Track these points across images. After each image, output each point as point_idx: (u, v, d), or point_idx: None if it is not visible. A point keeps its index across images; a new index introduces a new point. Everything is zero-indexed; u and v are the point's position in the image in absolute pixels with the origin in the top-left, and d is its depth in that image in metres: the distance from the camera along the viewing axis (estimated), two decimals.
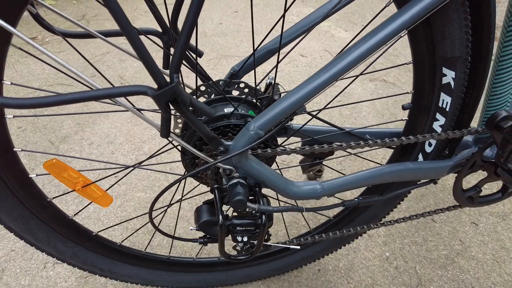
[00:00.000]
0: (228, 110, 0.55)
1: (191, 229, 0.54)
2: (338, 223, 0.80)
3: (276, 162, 0.73)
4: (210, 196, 0.56)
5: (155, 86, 0.40)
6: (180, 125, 0.61)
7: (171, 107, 0.41)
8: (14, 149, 0.54)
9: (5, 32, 0.42)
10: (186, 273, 0.81)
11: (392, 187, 0.72)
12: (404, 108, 0.66)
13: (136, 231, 0.83)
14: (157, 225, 0.59)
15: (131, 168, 0.64)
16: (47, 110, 1.36)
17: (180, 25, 0.47)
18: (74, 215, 0.67)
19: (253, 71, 0.63)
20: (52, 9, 0.52)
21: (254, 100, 0.59)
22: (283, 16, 0.49)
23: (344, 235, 0.70)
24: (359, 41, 0.46)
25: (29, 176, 0.58)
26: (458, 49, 0.52)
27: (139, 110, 0.51)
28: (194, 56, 0.62)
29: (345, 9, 2.34)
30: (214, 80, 0.58)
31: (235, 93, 0.60)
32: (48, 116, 1.36)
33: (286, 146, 0.55)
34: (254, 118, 0.47)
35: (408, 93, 0.64)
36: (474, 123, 0.60)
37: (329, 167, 0.89)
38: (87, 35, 0.56)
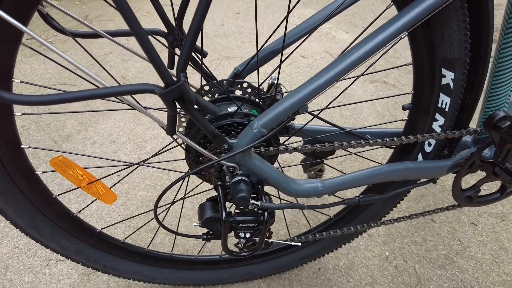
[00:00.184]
0: (231, 109, 0.56)
1: (194, 226, 0.55)
2: (339, 222, 0.80)
3: (278, 161, 0.74)
4: (213, 194, 0.57)
5: (160, 85, 0.41)
6: (184, 124, 0.62)
7: (178, 105, 0.43)
8: (22, 146, 0.55)
9: (17, 31, 0.43)
10: (188, 270, 0.82)
11: (392, 186, 0.73)
12: (404, 108, 0.67)
13: (138, 229, 0.84)
14: (161, 223, 0.60)
15: (136, 165, 0.65)
16: (60, 109, 1.37)
17: (185, 25, 0.48)
18: (79, 212, 0.68)
19: (256, 71, 0.64)
20: (61, 9, 0.53)
21: (257, 100, 0.60)
22: (286, 17, 0.50)
23: (345, 233, 0.71)
24: (360, 43, 0.48)
25: (36, 173, 0.59)
26: (457, 51, 0.53)
27: (145, 108, 0.53)
28: (199, 56, 0.63)
29: (346, 11, 2.36)
30: (218, 80, 0.59)
31: (238, 92, 0.61)
32: (52, 116, 1.37)
33: (288, 145, 0.56)
34: (257, 117, 0.48)
35: (408, 93, 0.65)
36: (474, 124, 0.61)
37: (330, 167, 0.90)
38: (95, 35, 0.57)
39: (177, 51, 0.62)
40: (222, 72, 1.69)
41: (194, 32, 0.39)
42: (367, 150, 0.82)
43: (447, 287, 0.92)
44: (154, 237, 0.88)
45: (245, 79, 0.63)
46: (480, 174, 0.66)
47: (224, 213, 0.50)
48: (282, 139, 0.66)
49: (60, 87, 1.53)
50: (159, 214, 0.78)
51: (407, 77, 1.74)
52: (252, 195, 0.55)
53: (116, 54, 1.80)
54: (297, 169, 1.20)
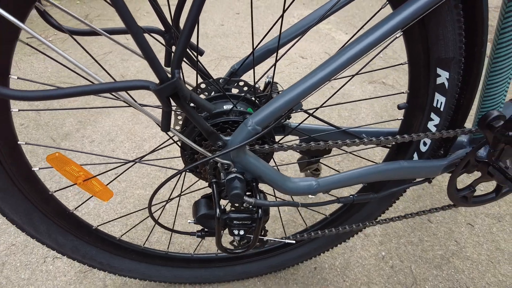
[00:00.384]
0: (227, 107, 0.57)
1: (189, 222, 0.55)
2: (335, 221, 0.81)
3: (273, 159, 0.74)
4: (208, 191, 0.58)
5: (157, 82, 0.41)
6: (181, 122, 0.62)
7: (172, 102, 0.43)
8: (19, 142, 0.55)
9: (14, 27, 0.44)
10: (184, 268, 0.82)
11: (387, 186, 0.73)
12: (399, 107, 0.68)
13: (134, 226, 0.85)
14: (156, 220, 0.60)
15: (131, 163, 0.65)
16: (57, 105, 1.37)
17: (182, 24, 0.49)
18: (75, 208, 0.68)
19: (252, 69, 0.64)
20: (60, 7, 0.54)
21: (253, 98, 0.60)
22: (282, 16, 0.50)
23: (340, 232, 0.71)
24: (354, 41, 0.48)
25: (32, 169, 0.60)
26: (452, 50, 0.54)
27: (142, 105, 0.53)
28: (196, 54, 0.64)
29: (346, 12, 2.37)
30: (214, 78, 0.59)
31: (234, 91, 0.62)
32: (51, 114, 1.37)
33: (283, 143, 0.56)
34: (252, 115, 0.48)
35: (403, 93, 0.65)
36: (470, 124, 0.61)
37: (327, 166, 0.91)
38: (93, 33, 0.57)
39: (174, 49, 0.62)
40: (221, 72, 1.69)
41: (188, 29, 0.40)
42: (363, 150, 0.83)
43: (443, 287, 0.92)
44: (150, 234, 0.89)
45: (242, 78, 0.64)
46: (477, 174, 0.67)
47: (218, 210, 0.50)
48: (282, 138, 0.66)
49: (60, 85, 1.54)
50: (155, 211, 0.78)
51: (405, 78, 1.75)
52: (248, 193, 0.56)
53: (116, 53, 1.81)
54: (296, 168, 1.20)
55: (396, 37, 0.60)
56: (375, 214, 0.79)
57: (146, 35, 0.55)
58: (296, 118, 0.67)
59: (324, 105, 0.64)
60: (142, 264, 0.79)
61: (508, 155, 0.56)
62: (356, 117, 1.46)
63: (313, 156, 0.76)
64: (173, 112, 0.59)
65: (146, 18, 2.14)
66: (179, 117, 0.63)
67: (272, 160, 0.65)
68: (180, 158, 0.61)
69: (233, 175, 0.51)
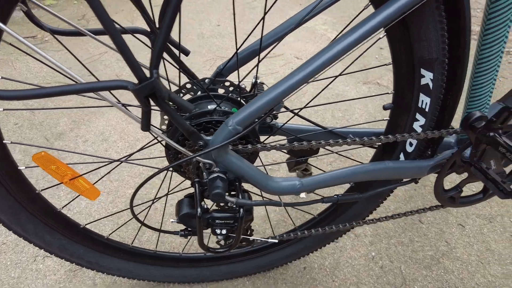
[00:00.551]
0: (212, 107, 0.57)
1: (172, 222, 0.56)
2: (323, 221, 0.81)
3: (260, 159, 0.75)
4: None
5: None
6: (166, 122, 0.62)
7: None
8: (4, 141, 0.56)
9: None
10: (173, 268, 0.83)
11: (374, 186, 0.74)
12: (385, 108, 0.68)
13: (122, 225, 0.85)
14: (143, 220, 0.60)
15: (118, 162, 0.66)
16: (51, 104, 1.38)
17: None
18: (62, 207, 0.68)
19: (240, 69, 0.65)
20: (44, 7, 0.54)
21: (238, 98, 0.61)
22: (263, 18, 0.51)
23: (327, 232, 0.72)
24: (336, 40, 0.48)
25: (19, 168, 0.60)
26: (434, 51, 0.54)
27: (125, 105, 0.53)
28: (182, 55, 0.64)
29: (342, 13, 2.37)
30: (204, 78, 0.60)
31: (221, 91, 0.62)
32: (45, 114, 1.38)
33: (266, 143, 0.57)
34: (233, 115, 0.49)
35: (388, 93, 0.65)
36: (458, 125, 0.61)
37: (318, 168, 0.91)
38: (77, 33, 0.58)
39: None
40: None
41: (166, 30, 0.40)
42: (356, 151, 0.83)
43: (432, 287, 0.93)
44: (138, 232, 0.89)
45: (229, 78, 0.64)
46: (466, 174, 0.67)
47: (199, 210, 0.50)
48: (267, 138, 0.66)
49: (55, 85, 1.54)
50: (142, 211, 0.79)
51: None
52: (232, 193, 0.56)
53: (112, 53, 1.81)
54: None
55: (380, 38, 0.60)
56: (363, 214, 0.79)
57: (130, 36, 0.56)
58: (284, 119, 0.67)
59: (309, 105, 0.64)
60: (130, 263, 0.79)
61: (490, 155, 0.56)
62: (349, 118, 1.47)
63: (300, 156, 0.76)
64: (159, 112, 0.59)
65: (142, 18, 2.15)
66: (165, 117, 0.63)
67: (259, 159, 0.66)
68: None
69: (215, 175, 0.52)
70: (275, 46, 0.57)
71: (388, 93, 0.65)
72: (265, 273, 0.91)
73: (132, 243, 0.78)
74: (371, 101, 1.56)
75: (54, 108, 1.18)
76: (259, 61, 0.54)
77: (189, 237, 0.65)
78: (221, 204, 0.57)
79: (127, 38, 0.49)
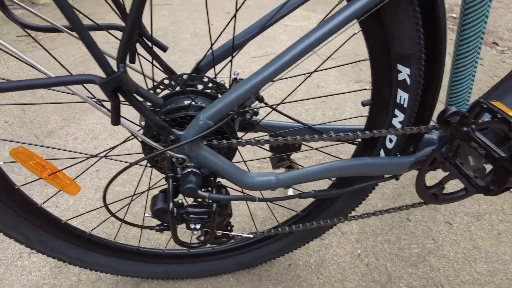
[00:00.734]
0: (188, 102, 0.57)
1: (147, 216, 0.56)
2: (305, 217, 0.81)
3: (240, 155, 0.75)
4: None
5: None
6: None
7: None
8: None
9: None
10: (156, 264, 0.83)
11: (356, 182, 0.74)
12: (363, 104, 0.68)
13: (104, 221, 0.85)
14: (123, 217, 0.61)
15: (95, 158, 0.66)
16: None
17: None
18: (43, 203, 0.69)
19: (219, 65, 0.65)
20: (17, 2, 0.54)
21: (217, 94, 0.61)
22: (235, 16, 0.51)
23: (307, 228, 0.72)
24: (309, 32, 0.48)
25: None
26: (410, 46, 0.54)
27: (99, 102, 0.54)
28: (159, 50, 0.64)
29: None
30: (177, 74, 0.60)
31: (200, 87, 0.62)
32: (36, 112, 1.38)
33: (243, 138, 0.57)
34: (204, 109, 0.49)
35: (366, 89, 0.65)
36: None
37: (297, 164, 0.91)
38: (53, 29, 0.58)
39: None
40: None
41: (131, 25, 0.40)
42: (339, 148, 0.83)
43: (417, 285, 0.93)
44: (119, 229, 0.89)
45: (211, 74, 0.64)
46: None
47: (171, 204, 0.51)
48: (244, 134, 0.66)
49: None
50: (125, 206, 0.78)
51: None
52: (209, 189, 0.56)
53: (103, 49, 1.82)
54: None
55: (355, 33, 0.60)
56: (346, 210, 0.79)
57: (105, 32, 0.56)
58: (270, 116, 0.67)
59: (285, 101, 0.64)
60: (113, 259, 0.79)
61: (465, 151, 0.56)
62: (340, 116, 1.47)
63: (281, 152, 0.76)
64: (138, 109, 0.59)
65: None
66: None
67: (240, 155, 0.66)
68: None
69: (188, 170, 0.52)
70: (247, 42, 0.57)
71: (366, 89, 0.65)
72: (249, 270, 0.92)
73: (114, 238, 0.78)
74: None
75: (30, 103, 1.18)
76: (232, 57, 0.54)
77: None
78: (199, 199, 0.57)
79: (105, 34, 0.50)
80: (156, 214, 0.54)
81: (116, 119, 0.46)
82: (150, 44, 0.63)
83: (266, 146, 0.70)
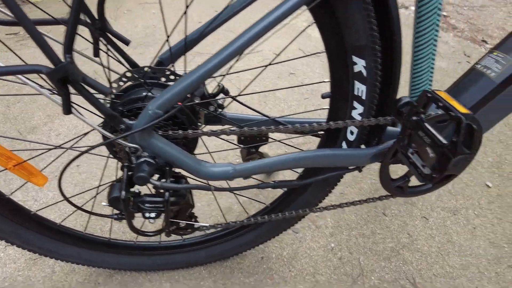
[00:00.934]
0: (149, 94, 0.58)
1: (104, 205, 0.57)
2: (274, 209, 0.82)
3: (206, 146, 0.76)
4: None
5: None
6: None
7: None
8: None
9: None
10: (127, 256, 0.84)
11: (321, 173, 0.74)
12: (323, 97, 0.69)
13: (72, 213, 0.86)
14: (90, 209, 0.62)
15: (59, 148, 0.67)
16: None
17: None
18: (11, 193, 0.70)
19: (182, 57, 0.67)
20: None
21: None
22: (185, 12, 0.52)
23: (272, 219, 0.73)
24: (258, 21, 0.49)
25: None
26: (363, 38, 0.54)
27: (52, 92, 0.55)
28: (122, 44, 0.65)
29: None
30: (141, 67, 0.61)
31: (163, 80, 0.64)
32: (20, 108, 1.40)
33: (200, 129, 0.58)
34: (153, 99, 0.50)
35: (324, 82, 0.66)
36: None
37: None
38: (15, 23, 0.59)
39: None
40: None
41: (73, 16, 0.42)
42: (290, 138, 0.83)
43: (389, 278, 0.93)
44: (88, 221, 0.91)
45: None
46: None
47: (123, 192, 0.52)
48: (205, 126, 0.67)
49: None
50: (93, 198, 0.79)
51: None
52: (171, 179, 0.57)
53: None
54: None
55: (309, 25, 0.61)
56: (313, 202, 0.80)
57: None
58: (234, 108, 0.68)
59: (243, 93, 0.65)
60: (84, 250, 0.80)
61: (416, 141, 0.57)
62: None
63: (249, 145, 0.77)
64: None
65: (126, 16, 2.17)
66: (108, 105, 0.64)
67: (205, 146, 0.67)
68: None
69: (142, 159, 0.53)
70: (204, 38, 0.58)
71: (324, 81, 0.66)
72: (222, 263, 0.93)
73: (85, 230, 0.79)
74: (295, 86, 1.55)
75: None
76: (185, 51, 0.56)
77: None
78: (162, 191, 0.58)
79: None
80: (111, 202, 0.55)
81: (66, 108, 0.47)
82: (113, 38, 0.65)
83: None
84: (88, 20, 0.63)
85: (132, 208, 0.56)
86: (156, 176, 0.59)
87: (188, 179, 0.62)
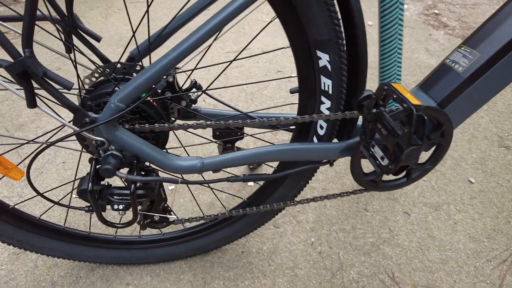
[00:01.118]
0: (117, 89, 0.59)
1: (74, 197, 0.58)
2: (251, 204, 0.83)
3: (179, 140, 0.77)
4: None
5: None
6: None
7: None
8: None
9: None
10: (106, 249, 0.85)
11: (294, 167, 0.75)
12: (291, 92, 0.70)
13: (50, 208, 0.87)
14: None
15: (37, 144, 0.68)
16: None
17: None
18: None
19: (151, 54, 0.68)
20: None
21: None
22: (147, 11, 0.53)
23: (247, 213, 0.74)
24: (214, 15, 0.50)
25: None
26: (325, 32, 0.55)
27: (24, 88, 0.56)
28: (93, 41, 0.67)
29: None
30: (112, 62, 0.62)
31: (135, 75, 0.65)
32: (8, 106, 1.42)
33: (167, 123, 0.59)
34: (115, 92, 0.51)
35: (291, 77, 0.67)
36: None
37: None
38: None
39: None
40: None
41: (29, 10, 0.43)
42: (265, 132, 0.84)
43: (368, 273, 0.94)
44: (67, 214, 0.92)
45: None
46: None
47: (90, 184, 0.53)
48: (175, 120, 0.68)
49: None
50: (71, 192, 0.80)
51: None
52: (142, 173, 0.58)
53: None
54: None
55: (271, 21, 0.62)
56: (288, 196, 0.81)
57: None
58: (212, 104, 0.69)
59: (211, 87, 0.66)
60: (63, 243, 0.81)
61: (377, 133, 0.58)
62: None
63: (224, 140, 0.78)
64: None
65: (116, 14, 2.18)
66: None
67: (178, 140, 0.68)
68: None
69: (109, 152, 0.54)
70: (165, 28, 0.60)
71: (291, 76, 0.67)
72: (202, 257, 0.94)
73: (64, 224, 0.81)
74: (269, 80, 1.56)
75: None
76: (149, 44, 0.57)
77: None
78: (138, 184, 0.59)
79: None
80: (80, 194, 0.56)
81: (30, 102, 0.48)
82: (84, 35, 0.66)
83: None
84: (58, 17, 0.65)
85: (102, 200, 0.57)
86: (125, 170, 0.60)
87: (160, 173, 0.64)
